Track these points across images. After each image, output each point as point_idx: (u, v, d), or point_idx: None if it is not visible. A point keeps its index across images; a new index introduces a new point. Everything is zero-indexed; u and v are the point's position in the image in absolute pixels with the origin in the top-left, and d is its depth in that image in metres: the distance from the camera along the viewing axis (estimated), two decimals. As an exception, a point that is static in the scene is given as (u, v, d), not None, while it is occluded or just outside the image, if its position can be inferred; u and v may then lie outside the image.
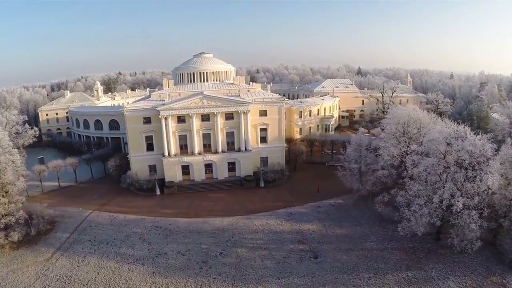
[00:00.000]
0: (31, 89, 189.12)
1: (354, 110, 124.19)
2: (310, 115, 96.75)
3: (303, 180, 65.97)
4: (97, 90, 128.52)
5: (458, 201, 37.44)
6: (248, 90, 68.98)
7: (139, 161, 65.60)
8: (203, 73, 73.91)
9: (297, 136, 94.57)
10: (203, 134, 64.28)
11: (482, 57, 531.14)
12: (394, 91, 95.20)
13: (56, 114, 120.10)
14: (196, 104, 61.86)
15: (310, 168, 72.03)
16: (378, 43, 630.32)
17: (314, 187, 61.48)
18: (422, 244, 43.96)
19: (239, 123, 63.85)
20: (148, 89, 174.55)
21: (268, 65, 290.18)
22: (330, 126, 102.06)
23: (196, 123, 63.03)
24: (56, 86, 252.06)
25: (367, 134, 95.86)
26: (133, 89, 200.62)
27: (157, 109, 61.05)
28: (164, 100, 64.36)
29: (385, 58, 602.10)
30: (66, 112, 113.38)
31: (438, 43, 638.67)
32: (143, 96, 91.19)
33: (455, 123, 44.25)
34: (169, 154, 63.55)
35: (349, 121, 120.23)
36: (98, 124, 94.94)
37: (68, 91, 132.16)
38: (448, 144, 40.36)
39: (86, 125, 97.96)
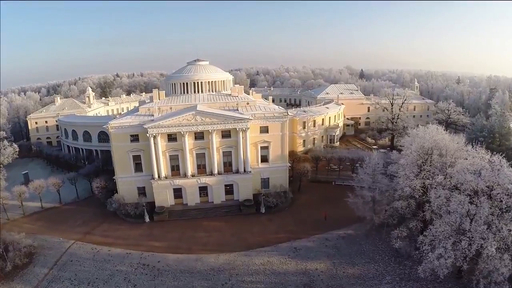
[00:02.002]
0: (23, 93, 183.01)
1: (360, 118, 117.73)
2: (314, 126, 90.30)
3: (309, 204, 59.54)
4: (88, 97, 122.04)
5: (491, 246, 32.86)
6: (248, 103, 62.43)
7: (126, 183, 59.28)
8: (198, 83, 67.05)
9: (300, 148, 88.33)
10: (196, 154, 57.73)
11: (486, 58, 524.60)
12: (405, 100, 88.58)
13: (46, 122, 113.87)
14: (189, 121, 55.34)
15: (315, 188, 65.51)
16: (379, 43, 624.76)
17: (320, 214, 55.13)
18: (442, 284, 38.84)
19: (237, 142, 57.29)
20: (143, 93, 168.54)
21: (268, 67, 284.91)
22: (335, 137, 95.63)
23: (188, 142, 56.52)
24: (52, 88, 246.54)
25: (375, 147, 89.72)
26: (128, 93, 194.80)
27: (145, 126, 54.62)
28: (153, 115, 57.98)
29: (386, 58, 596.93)
30: (56, 120, 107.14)
31: (440, 43, 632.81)
32: (132, 108, 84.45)
33: (476, 142, 40.09)
34: (159, 177, 57.14)
35: (354, 129, 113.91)
36: (86, 135, 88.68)
37: (59, 98, 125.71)
38: (481, 178, 34.43)
39: (75, 136, 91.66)
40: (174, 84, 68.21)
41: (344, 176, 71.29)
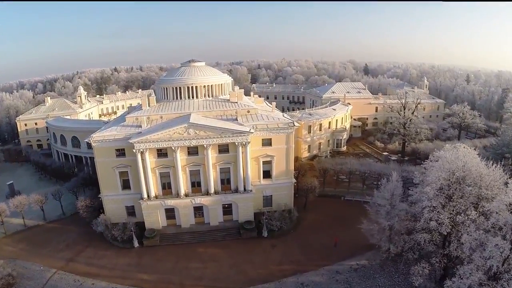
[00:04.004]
0: (15, 91, 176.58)
1: (367, 118, 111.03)
2: (320, 129, 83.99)
3: (316, 226, 53.43)
4: (80, 96, 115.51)
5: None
6: (248, 111, 55.93)
7: (113, 201, 53.45)
8: (192, 87, 60.28)
9: (305, 154, 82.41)
10: (190, 171, 51.39)
11: (489, 52, 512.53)
12: (418, 104, 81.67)
13: (35, 124, 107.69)
14: (180, 134, 48.87)
15: (323, 204, 59.28)
16: (380, 36, 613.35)
17: (329, 238, 49.23)
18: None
19: (236, 157, 50.87)
20: (140, 90, 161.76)
21: (270, 60, 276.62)
22: (342, 141, 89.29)
23: (181, 157, 50.18)
24: (49, 83, 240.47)
25: (386, 153, 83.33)
26: (125, 89, 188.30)
27: (130, 141, 48.26)
28: (141, 126, 51.71)
29: (388, 51, 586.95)
30: (46, 123, 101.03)
31: (441, 36, 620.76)
32: (121, 114, 77.42)
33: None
34: (148, 196, 51.09)
35: (361, 130, 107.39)
36: (75, 141, 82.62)
37: (49, 98, 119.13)
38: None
39: (63, 141, 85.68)
40: (166, 88, 61.46)
41: (354, 189, 65.26)
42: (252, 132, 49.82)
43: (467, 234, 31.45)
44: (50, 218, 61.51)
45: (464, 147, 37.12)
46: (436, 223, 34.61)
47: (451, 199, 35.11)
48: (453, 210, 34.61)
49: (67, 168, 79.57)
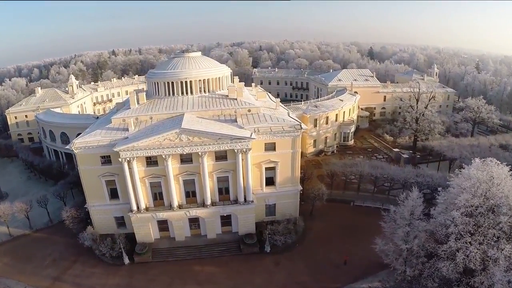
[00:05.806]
0: (8, 79, 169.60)
1: (375, 108, 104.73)
2: (326, 123, 78.28)
3: (323, 238, 48.70)
4: (71, 86, 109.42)
5: None
6: (249, 110, 50.26)
7: (101, 212, 48.83)
8: (186, 82, 54.33)
9: (310, 149, 77.42)
10: (184, 180, 46.21)
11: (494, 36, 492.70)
12: (433, 96, 75.20)
13: (26, 116, 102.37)
14: (171, 141, 43.32)
15: (330, 210, 54.31)
16: (383, 17, 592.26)
17: (338, 253, 44.66)
18: None
19: (235, 165, 45.52)
20: (136, 76, 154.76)
21: (271, 41, 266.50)
22: (350, 134, 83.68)
23: (173, 166, 44.90)
24: (45, 68, 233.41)
25: (396, 150, 77.46)
26: (122, 74, 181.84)
27: (115, 149, 42.89)
28: (128, 130, 46.24)
29: (390, 33, 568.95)
30: (35, 116, 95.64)
31: (443, 18, 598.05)
32: (109, 111, 71.10)
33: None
34: (138, 209, 46.26)
35: (369, 121, 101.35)
36: (64, 137, 77.45)
37: (39, 88, 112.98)
38: None
39: (53, 137, 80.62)
40: (157, 83, 55.42)
41: (363, 192, 60.30)
42: (254, 138, 44.15)
43: (500, 271, 26.72)
44: (36, 226, 57.28)
45: (496, 164, 31.58)
46: (463, 255, 29.69)
47: (481, 226, 30.06)
48: (482, 240, 29.63)
49: (57, 167, 74.84)
